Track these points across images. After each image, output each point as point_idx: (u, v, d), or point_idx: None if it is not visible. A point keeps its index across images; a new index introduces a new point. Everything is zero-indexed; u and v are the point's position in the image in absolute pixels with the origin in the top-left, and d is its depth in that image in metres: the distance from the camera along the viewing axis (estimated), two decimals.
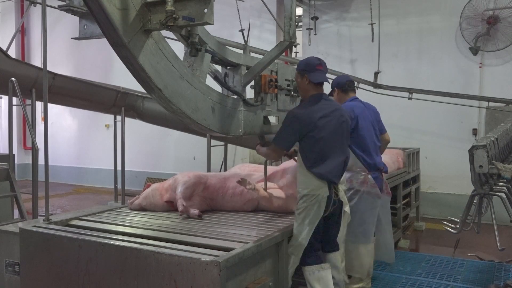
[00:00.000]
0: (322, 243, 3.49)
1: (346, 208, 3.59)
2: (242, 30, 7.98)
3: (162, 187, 3.99)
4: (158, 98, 2.75)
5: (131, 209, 4.01)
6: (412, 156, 6.77)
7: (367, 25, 8.38)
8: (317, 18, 9.04)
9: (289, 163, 4.03)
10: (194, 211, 3.69)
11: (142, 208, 3.98)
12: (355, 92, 4.47)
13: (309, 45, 9.10)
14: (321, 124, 3.30)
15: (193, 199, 3.84)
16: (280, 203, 3.78)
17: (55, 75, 6.08)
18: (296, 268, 3.34)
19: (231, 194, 3.92)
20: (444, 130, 8.21)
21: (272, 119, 3.85)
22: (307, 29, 9.18)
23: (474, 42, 7.81)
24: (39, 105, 7.67)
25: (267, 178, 3.90)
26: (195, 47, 2.84)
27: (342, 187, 3.52)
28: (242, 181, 3.59)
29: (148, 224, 3.48)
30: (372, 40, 8.21)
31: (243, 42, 7.96)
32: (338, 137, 3.41)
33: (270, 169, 4.06)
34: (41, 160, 4.56)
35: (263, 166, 3.98)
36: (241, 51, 4.95)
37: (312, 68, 3.42)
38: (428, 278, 4.89)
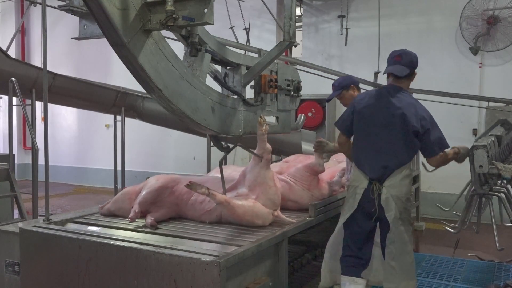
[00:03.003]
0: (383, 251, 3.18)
1: (387, 215, 3.12)
2: (232, 28, 7.98)
3: (134, 191, 3.69)
4: (158, 98, 2.75)
5: (101, 214, 3.72)
6: None
7: (367, 25, 8.38)
8: (343, 17, 8.88)
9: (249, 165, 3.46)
10: (148, 220, 3.34)
11: (111, 214, 3.68)
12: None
13: (346, 45, 8.99)
14: (364, 112, 3.26)
15: (159, 205, 3.51)
16: (243, 211, 3.17)
17: (55, 75, 6.07)
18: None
19: (192, 202, 3.44)
20: (444, 130, 7.98)
21: (272, 119, 3.78)
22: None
23: (474, 42, 7.81)
24: (39, 105, 7.65)
25: (234, 185, 3.40)
26: (195, 47, 2.84)
27: (390, 191, 3.14)
28: (191, 185, 2.92)
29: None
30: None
31: (243, 42, 7.97)
32: (383, 130, 3.20)
33: (234, 172, 3.65)
34: (41, 160, 4.56)
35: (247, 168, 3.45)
36: (241, 51, 4.95)
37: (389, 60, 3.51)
38: (428, 278, 4.88)
